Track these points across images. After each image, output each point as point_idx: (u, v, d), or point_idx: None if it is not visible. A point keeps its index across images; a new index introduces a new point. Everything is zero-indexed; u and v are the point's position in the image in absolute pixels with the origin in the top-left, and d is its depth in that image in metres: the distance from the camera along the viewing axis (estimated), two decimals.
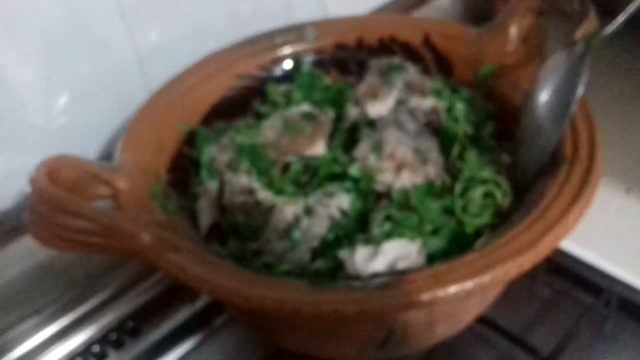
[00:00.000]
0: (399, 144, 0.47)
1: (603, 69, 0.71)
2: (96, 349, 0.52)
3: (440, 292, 0.35)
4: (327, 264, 0.41)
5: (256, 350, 0.51)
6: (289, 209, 0.44)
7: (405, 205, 0.43)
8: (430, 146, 0.48)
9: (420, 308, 0.35)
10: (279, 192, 0.46)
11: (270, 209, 0.44)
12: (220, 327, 0.55)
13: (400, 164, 0.46)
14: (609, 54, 0.73)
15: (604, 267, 0.53)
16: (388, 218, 0.42)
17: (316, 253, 0.43)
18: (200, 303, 0.55)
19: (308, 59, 0.55)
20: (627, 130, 0.65)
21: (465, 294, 0.35)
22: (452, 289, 0.35)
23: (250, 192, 0.46)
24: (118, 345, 0.53)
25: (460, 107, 0.50)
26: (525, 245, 0.37)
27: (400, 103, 0.51)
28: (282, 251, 0.42)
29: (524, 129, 0.46)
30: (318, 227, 0.43)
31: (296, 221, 0.43)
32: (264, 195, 0.45)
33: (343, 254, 0.41)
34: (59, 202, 0.39)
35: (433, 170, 0.46)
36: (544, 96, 0.45)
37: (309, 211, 0.44)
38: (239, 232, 0.45)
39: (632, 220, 0.57)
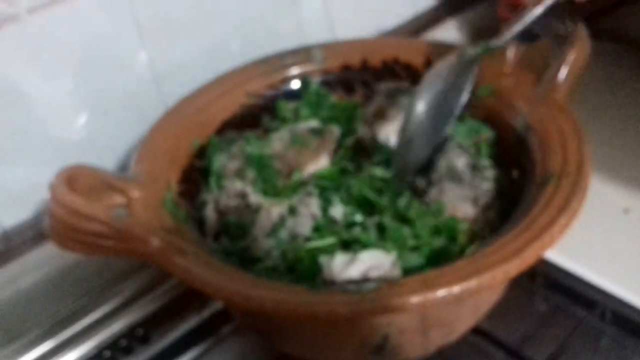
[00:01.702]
0: (458, 201, 0.47)
1: (603, 92, 0.73)
2: (107, 354, 0.54)
3: (429, 296, 0.37)
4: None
5: (261, 357, 0.52)
6: (275, 209, 0.46)
7: (401, 217, 0.45)
8: (487, 189, 0.48)
9: (411, 310, 0.37)
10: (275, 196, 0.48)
11: (258, 210, 0.47)
12: (227, 336, 0.56)
13: (461, 220, 0.46)
14: (610, 76, 0.75)
15: (599, 283, 0.54)
16: (379, 226, 0.44)
17: None
18: (207, 312, 0.57)
19: (315, 79, 0.58)
20: (625, 152, 0.66)
21: (453, 298, 0.37)
22: (441, 292, 0.37)
23: (243, 195, 0.48)
24: (128, 351, 0.54)
25: (461, 131, 0.52)
26: (511, 253, 0.38)
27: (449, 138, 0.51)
28: (268, 248, 0.45)
29: (405, 129, 0.48)
30: (302, 227, 0.45)
31: (282, 221, 0.46)
32: (254, 198, 0.47)
33: (322, 259, 0.42)
34: (76, 206, 0.41)
35: (493, 215, 0.47)
36: (425, 100, 0.47)
37: (292, 211, 0.46)
38: (230, 231, 0.47)
39: (630, 240, 0.58)
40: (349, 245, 0.44)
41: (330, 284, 0.41)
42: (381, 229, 0.45)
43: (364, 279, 0.40)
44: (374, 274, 0.41)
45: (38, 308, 0.54)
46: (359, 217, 0.46)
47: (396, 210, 0.46)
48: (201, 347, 0.55)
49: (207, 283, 0.40)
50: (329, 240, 0.44)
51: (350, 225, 0.46)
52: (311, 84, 0.57)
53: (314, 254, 0.43)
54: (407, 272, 0.42)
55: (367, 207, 0.47)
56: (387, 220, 0.45)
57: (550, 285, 0.55)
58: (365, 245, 0.44)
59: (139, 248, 0.42)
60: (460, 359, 0.51)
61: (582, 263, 0.55)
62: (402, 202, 0.47)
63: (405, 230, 0.44)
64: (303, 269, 0.43)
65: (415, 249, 0.44)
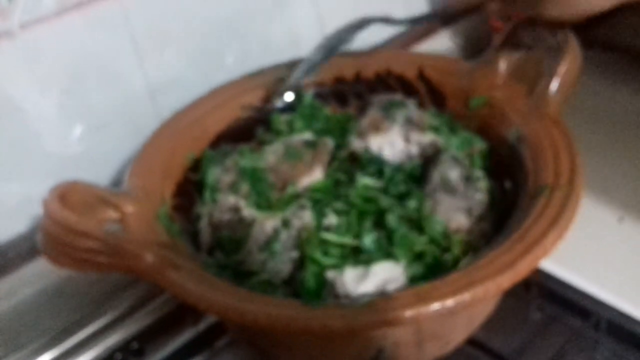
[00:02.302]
0: (452, 213, 0.47)
1: (596, 100, 0.73)
2: None
3: (423, 309, 0.37)
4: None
5: None
6: (268, 222, 0.46)
7: (409, 220, 0.45)
8: (480, 200, 0.48)
9: (405, 324, 0.37)
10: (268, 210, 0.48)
11: (252, 223, 0.47)
12: (222, 349, 0.56)
13: (455, 231, 0.46)
14: (602, 84, 0.75)
15: (594, 293, 0.54)
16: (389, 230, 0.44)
17: (297, 264, 0.45)
18: (202, 325, 0.57)
19: (309, 92, 0.58)
20: (618, 161, 0.66)
21: (447, 311, 0.37)
22: (434, 306, 0.37)
23: (236, 209, 0.48)
24: None
25: (454, 143, 0.52)
26: (504, 266, 0.38)
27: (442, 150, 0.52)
28: (262, 262, 0.45)
29: None
30: (296, 239, 0.45)
31: (275, 234, 0.46)
32: (248, 212, 0.48)
33: (330, 274, 0.43)
34: (69, 223, 0.41)
35: (487, 225, 0.48)
36: None
37: (286, 224, 0.46)
38: (224, 245, 0.48)
39: (624, 249, 0.58)
40: (356, 252, 0.45)
41: (339, 299, 0.41)
42: (388, 233, 0.46)
43: (381, 293, 0.40)
44: (391, 286, 0.41)
45: (33, 322, 0.54)
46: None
47: (406, 213, 0.46)
48: None
49: (201, 298, 0.40)
50: (341, 237, 0.44)
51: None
52: (305, 96, 0.57)
53: (321, 266, 0.43)
54: (410, 281, 0.42)
55: (367, 215, 0.47)
56: (393, 222, 0.45)
57: (545, 295, 0.55)
58: (370, 252, 0.44)
59: (132, 264, 0.42)
60: None
61: (577, 272, 0.56)
62: (412, 204, 0.47)
63: (413, 235, 0.44)
64: (308, 284, 0.43)
65: (419, 256, 0.44)
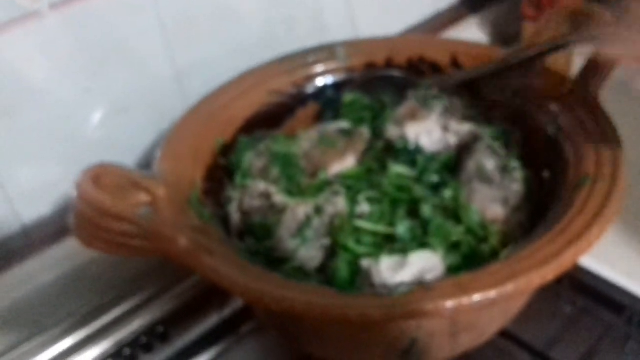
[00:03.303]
0: (488, 203, 0.47)
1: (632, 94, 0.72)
2: (127, 352, 0.54)
3: (465, 300, 0.36)
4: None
5: (281, 357, 0.52)
6: (300, 209, 0.46)
7: (445, 210, 0.45)
8: (516, 190, 0.48)
9: (444, 315, 0.36)
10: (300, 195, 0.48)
11: (283, 210, 0.46)
12: (247, 334, 0.56)
13: (492, 221, 0.46)
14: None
15: (627, 286, 0.53)
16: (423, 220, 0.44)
17: (329, 252, 0.45)
18: (228, 310, 0.57)
19: (339, 77, 0.57)
20: None
21: (488, 302, 0.36)
22: (476, 297, 0.36)
23: (267, 196, 0.48)
24: (148, 349, 0.54)
25: (490, 133, 0.52)
26: (548, 257, 0.38)
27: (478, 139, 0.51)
28: (294, 249, 0.44)
29: None
30: (328, 227, 0.45)
31: (308, 220, 0.45)
32: (279, 198, 0.47)
33: (365, 263, 0.42)
34: (103, 205, 0.41)
35: (524, 216, 0.47)
36: None
37: (319, 210, 0.46)
38: (255, 232, 0.47)
39: None
40: (390, 241, 0.44)
41: (374, 288, 0.40)
42: (422, 223, 0.45)
43: (420, 283, 0.39)
44: (429, 276, 0.40)
45: (58, 305, 0.54)
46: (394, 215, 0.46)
47: (441, 203, 0.46)
48: (221, 345, 0.56)
49: (236, 284, 0.40)
50: (375, 225, 0.44)
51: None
52: (346, 95, 0.57)
53: (354, 255, 0.43)
54: (447, 272, 0.42)
55: (400, 204, 0.47)
56: (428, 212, 0.45)
57: (577, 288, 0.54)
58: (404, 241, 0.43)
59: (166, 248, 0.42)
60: None
61: (610, 266, 0.55)
62: (448, 193, 0.46)
63: (449, 225, 0.44)
64: (340, 273, 0.42)
65: (455, 246, 0.43)
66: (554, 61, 0.52)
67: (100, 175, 0.43)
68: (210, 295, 0.57)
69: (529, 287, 0.37)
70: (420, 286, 0.38)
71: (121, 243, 0.41)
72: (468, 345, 0.46)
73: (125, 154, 0.57)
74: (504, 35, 0.75)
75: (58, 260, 0.54)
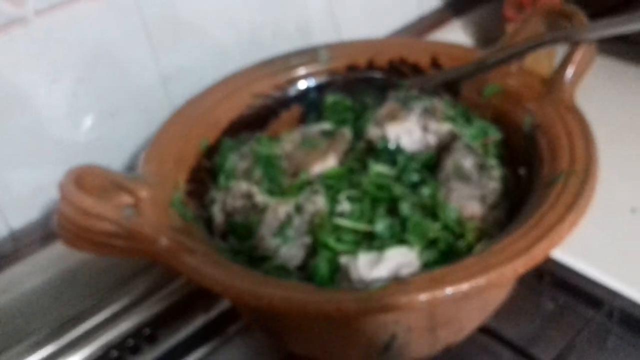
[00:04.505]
0: (465, 200, 0.47)
1: (609, 92, 0.73)
2: (114, 354, 0.54)
3: (438, 294, 0.37)
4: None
5: (267, 357, 0.52)
6: (281, 208, 0.47)
7: (423, 207, 0.45)
8: (494, 188, 0.48)
9: (419, 309, 0.37)
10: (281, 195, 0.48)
11: (265, 209, 0.47)
12: (234, 335, 0.56)
13: (469, 218, 0.46)
14: (616, 75, 0.75)
15: (607, 282, 0.54)
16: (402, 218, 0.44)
17: (310, 250, 0.45)
18: (214, 312, 0.57)
19: (322, 79, 0.58)
20: (632, 151, 0.66)
21: (462, 295, 0.37)
22: (449, 290, 0.37)
23: (249, 196, 0.49)
24: (135, 351, 0.55)
25: (469, 133, 0.52)
26: (520, 251, 0.38)
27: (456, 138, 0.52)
28: (275, 248, 0.45)
29: None
30: (309, 225, 0.45)
31: (288, 219, 0.46)
32: (261, 198, 0.48)
33: (344, 259, 0.43)
34: (85, 206, 0.41)
35: (501, 213, 0.47)
36: None
37: (299, 209, 0.46)
38: (237, 231, 0.48)
39: (637, 239, 0.58)
40: (369, 238, 0.45)
41: (352, 284, 0.41)
42: (401, 221, 0.45)
43: (396, 278, 0.40)
44: (405, 272, 0.40)
45: (45, 308, 0.54)
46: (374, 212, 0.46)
47: (419, 201, 0.46)
48: (208, 346, 0.56)
49: (216, 282, 0.40)
50: (354, 223, 0.44)
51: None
52: (328, 96, 0.58)
53: (333, 252, 0.43)
54: (423, 267, 0.42)
55: (380, 202, 0.47)
56: (406, 210, 0.45)
57: (558, 285, 0.55)
58: (383, 238, 0.44)
59: (148, 247, 0.42)
60: (468, 358, 0.51)
61: (589, 262, 0.56)
62: (426, 192, 0.47)
63: (427, 222, 0.44)
64: (320, 270, 0.43)
65: (432, 243, 0.44)
66: (535, 61, 0.53)
67: (83, 177, 0.44)
68: (196, 297, 0.57)
69: (502, 280, 0.38)
70: (396, 281, 0.39)
71: (104, 243, 0.42)
72: (448, 340, 0.47)
73: (113, 157, 0.58)
74: (487, 37, 0.76)
75: (46, 264, 0.55)
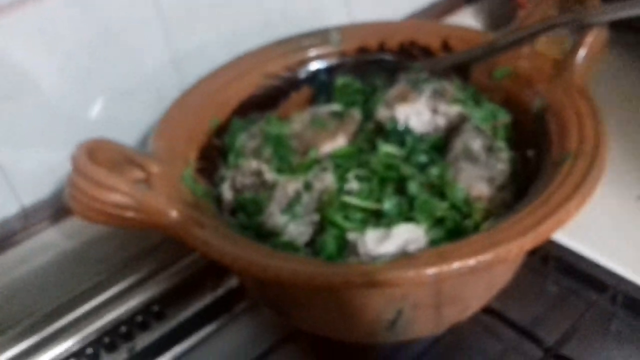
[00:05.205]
0: (473, 181, 0.47)
1: (618, 82, 0.73)
2: (123, 329, 0.55)
3: (445, 268, 0.37)
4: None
5: (273, 334, 0.53)
6: (290, 185, 0.47)
7: (431, 187, 0.46)
8: (502, 169, 0.48)
9: (426, 282, 0.37)
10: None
11: (274, 186, 0.48)
12: (241, 313, 0.57)
13: (477, 199, 0.47)
14: (625, 66, 0.75)
15: (611, 267, 0.54)
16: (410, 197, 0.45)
17: (318, 227, 0.46)
18: (221, 290, 0.58)
19: (332, 61, 0.59)
20: (638, 140, 0.66)
21: (468, 270, 0.37)
22: (456, 265, 0.37)
23: (259, 173, 0.49)
24: (144, 327, 0.55)
25: (478, 116, 0.52)
26: (527, 228, 0.39)
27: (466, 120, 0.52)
28: (284, 224, 0.45)
29: None
30: (317, 202, 0.46)
31: (297, 196, 0.47)
32: (270, 175, 0.48)
33: (352, 235, 0.43)
34: (97, 177, 0.42)
35: (508, 195, 0.48)
36: None
37: (308, 186, 0.47)
38: (246, 207, 0.48)
39: None
40: (377, 217, 0.45)
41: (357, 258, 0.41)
42: (409, 200, 0.46)
43: (404, 253, 0.40)
44: (412, 247, 0.41)
45: (55, 284, 0.55)
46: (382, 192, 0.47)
47: (427, 180, 0.47)
48: (215, 323, 0.56)
49: (225, 254, 0.41)
50: (362, 201, 0.45)
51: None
52: (338, 78, 0.58)
53: (341, 230, 0.44)
54: (430, 245, 0.43)
55: (388, 182, 0.48)
56: (414, 189, 0.46)
57: (562, 269, 0.55)
58: (390, 216, 0.44)
59: (158, 220, 0.43)
60: (472, 337, 0.51)
61: (594, 247, 0.56)
62: (435, 171, 0.47)
63: (434, 201, 0.45)
64: (328, 247, 0.43)
65: (439, 221, 0.44)
66: (546, 45, 0.53)
67: (95, 150, 0.44)
68: (204, 275, 0.58)
69: (508, 256, 0.38)
70: (404, 255, 0.39)
71: (115, 215, 0.42)
72: (453, 319, 0.47)
73: (124, 137, 0.57)
74: (498, 23, 0.76)
75: (56, 241, 0.55)
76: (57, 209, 0.55)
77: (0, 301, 0.53)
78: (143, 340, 0.55)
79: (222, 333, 0.56)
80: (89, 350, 0.53)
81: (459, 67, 0.56)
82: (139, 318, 0.56)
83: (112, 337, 0.55)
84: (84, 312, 0.55)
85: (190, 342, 0.55)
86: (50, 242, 0.55)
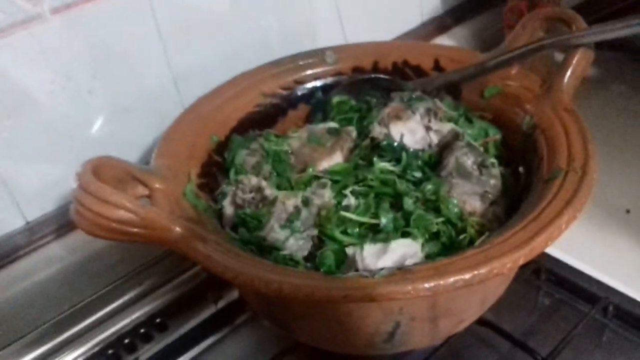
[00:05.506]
0: (467, 196, 0.49)
1: (604, 98, 0.75)
2: (126, 341, 0.56)
3: (441, 282, 0.38)
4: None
5: (274, 346, 0.54)
6: (289, 201, 0.48)
7: (426, 202, 0.47)
8: (494, 185, 0.50)
9: (423, 296, 0.39)
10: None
11: (274, 202, 0.49)
12: (241, 325, 0.58)
13: (470, 214, 0.48)
14: (611, 82, 0.77)
15: (602, 279, 0.55)
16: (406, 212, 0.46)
17: (317, 242, 0.47)
18: (223, 302, 0.59)
19: (328, 80, 0.60)
20: (626, 155, 0.68)
21: (464, 284, 0.38)
22: (452, 279, 0.38)
23: (259, 189, 0.50)
24: (147, 339, 0.57)
25: (470, 133, 0.54)
26: (521, 243, 0.40)
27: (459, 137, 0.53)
28: (284, 239, 0.47)
29: None
30: (316, 218, 0.47)
31: (296, 211, 0.48)
32: (270, 191, 0.50)
33: (351, 250, 0.44)
34: (102, 194, 0.43)
35: (500, 210, 0.49)
36: None
37: (306, 202, 0.48)
38: (247, 223, 0.49)
39: (631, 239, 0.60)
40: (374, 232, 0.46)
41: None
42: (405, 215, 0.47)
43: (401, 268, 0.41)
44: (409, 262, 0.42)
45: (59, 298, 0.56)
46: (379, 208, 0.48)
47: (423, 196, 0.48)
48: (216, 335, 0.58)
49: (227, 268, 0.42)
50: (359, 216, 0.46)
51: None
52: (333, 97, 0.59)
53: (340, 244, 0.45)
54: (426, 259, 0.44)
55: (385, 197, 0.49)
56: (410, 205, 0.47)
57: (554, 281, 0.57)
58: (387, 231, 0.46)
59: (162, 235, 0.44)
60: (468, 348, 0.52)
61: (585, 260, 0.57)
62: (429, 187, 0.49)
63: (430, 216, 0.46)
64: (327, 261, 0.45)
65: (434, 236, 0.45)
66: (534, 64, 0.55)
67: (100, 167, 0.45)
68: (205, 288, 0.59)
69: (502, 270, 0.39)
70: (401, 270, 0.41)
71: (119, 230, 0.43)
72: (449, 331, 0.48)
73: (126, 154, 0.58)
74: (488, 44, 0.78)
75: (59, 255, 0.56)
76: (60, 223, 0.56)
77: (5, 314, 0.53)
78: (146, 352, 0.56)
79: (223, 345, 0.57)
80: None
81: (450, 86, 0.58)
82: (142, 330, 0.57)
83: (115, 349, 0.56)
84: (87, 325, 0.56)
85: (192, 353, 0.56)
86: (54, 256, 0.56)
